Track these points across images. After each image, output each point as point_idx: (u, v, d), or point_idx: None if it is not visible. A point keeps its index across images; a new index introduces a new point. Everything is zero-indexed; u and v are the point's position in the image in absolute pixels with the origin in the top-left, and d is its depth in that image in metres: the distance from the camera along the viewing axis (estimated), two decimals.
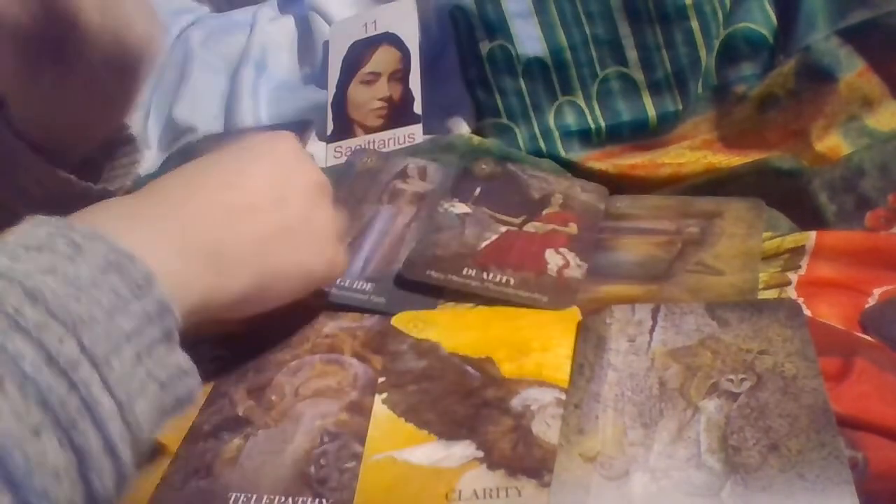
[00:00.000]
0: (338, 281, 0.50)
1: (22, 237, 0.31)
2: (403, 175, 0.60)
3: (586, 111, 0.65)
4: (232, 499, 0.37)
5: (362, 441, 0.39)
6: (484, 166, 0.60)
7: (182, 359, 0.33)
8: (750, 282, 0.46)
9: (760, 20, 0.61)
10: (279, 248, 0.41)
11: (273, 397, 0.43)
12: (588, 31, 0.63)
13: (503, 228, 0.54)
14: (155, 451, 0.40)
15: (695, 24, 0.61)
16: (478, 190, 0.57)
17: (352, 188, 0.59)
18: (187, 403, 0.34)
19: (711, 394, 0.38)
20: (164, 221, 0.37)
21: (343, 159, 0.68)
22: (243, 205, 0.41)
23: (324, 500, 0.37)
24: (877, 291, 0.46)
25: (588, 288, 0.48)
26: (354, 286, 0.50)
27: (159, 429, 0.32)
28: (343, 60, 0.74)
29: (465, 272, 0.50)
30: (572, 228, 0.53)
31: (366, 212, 0.56)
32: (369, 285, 0.50)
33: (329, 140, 0.71)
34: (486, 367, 0.43)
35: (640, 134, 0.64)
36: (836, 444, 0.34)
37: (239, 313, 0.41)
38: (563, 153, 0.64)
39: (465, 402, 0.41)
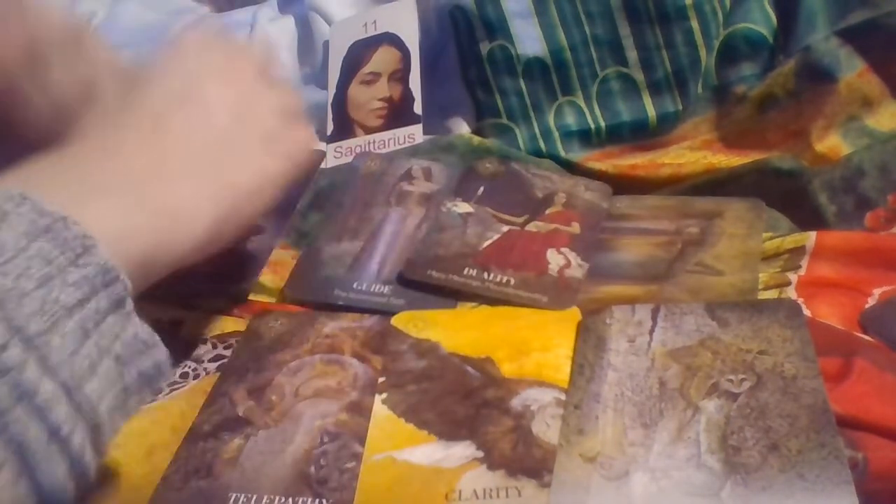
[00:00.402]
0: (354, 285, 0.50)
1: None
2: (409, 177, 0.60)
3: (586, 111, 0.64)
4: (232, 499, 0.37)
5: (362, 441, 0.39)
6: (488, 165, 0.59)
7: (141, 329, 0.30)
8: (750, 282, 0.46)
9: (760, 20, 0.61)
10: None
11: (273, 397, 0.43)
12: (588, 31, 0.63)
13: (505, 228, 0.54)
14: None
15: (695, 24, 0.61)
16: (481, 189, 0.57)
17: (358, 192, 0.59)
18: (157, 378, 0.30)
19: (711, 394, 0.38)
20: (97, 174, 0.33)
21: (343, 159, 0.68)
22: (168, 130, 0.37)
23: (324, 500, 0.37)
24: (877, 291, 0.46)
25: (588, 288, 0.48)
26: (372, 289, 0.50)
27: (128, 410, 0.29)
28: (343, 60, 0.74)
29: (465, 272, 0.50)
30: (575, 228, 0.53)
31: (375, 215, 0.56)
32: (387, 288, 0.50)
33: (329, 140, 0.71)
34: (486, 367, 0.43)
35: (640, 134, 0.64)
36: (836, 444, 0.34)
37: (226, 223, 0.37)
38: (563, 153, 0.64)
39: (465, 402, 0.41)
